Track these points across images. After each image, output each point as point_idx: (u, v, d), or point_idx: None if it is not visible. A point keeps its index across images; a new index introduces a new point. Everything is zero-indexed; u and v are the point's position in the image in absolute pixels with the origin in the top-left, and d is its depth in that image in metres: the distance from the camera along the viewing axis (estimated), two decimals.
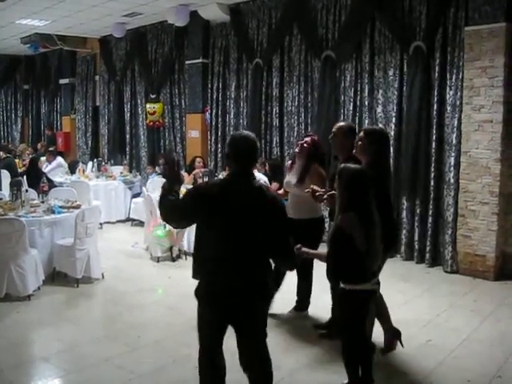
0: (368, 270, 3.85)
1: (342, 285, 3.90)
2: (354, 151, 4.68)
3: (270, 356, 3.56)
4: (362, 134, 4.64)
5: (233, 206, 3.31)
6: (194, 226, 3.53)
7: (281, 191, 6.10)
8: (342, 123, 5.28)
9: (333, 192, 4.45)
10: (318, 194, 4.78)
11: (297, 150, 5.72)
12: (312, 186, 4.89)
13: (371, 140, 4.53)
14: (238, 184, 3.39)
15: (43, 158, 12.26)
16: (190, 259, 7.94)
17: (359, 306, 3.91)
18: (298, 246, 3.83)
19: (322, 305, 5.59)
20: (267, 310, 3.57)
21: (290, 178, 5.70)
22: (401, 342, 4.91)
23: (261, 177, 6.13)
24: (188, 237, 8.19)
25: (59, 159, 12.97)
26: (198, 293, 3.44)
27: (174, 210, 3.47)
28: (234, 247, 3.33)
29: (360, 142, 4.59)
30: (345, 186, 3.81)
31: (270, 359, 3.57)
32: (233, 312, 3.39)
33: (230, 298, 3.33)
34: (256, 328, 3.51)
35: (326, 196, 4.66)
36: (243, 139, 3.45)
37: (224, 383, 3.58)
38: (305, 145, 5.58)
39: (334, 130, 5.05)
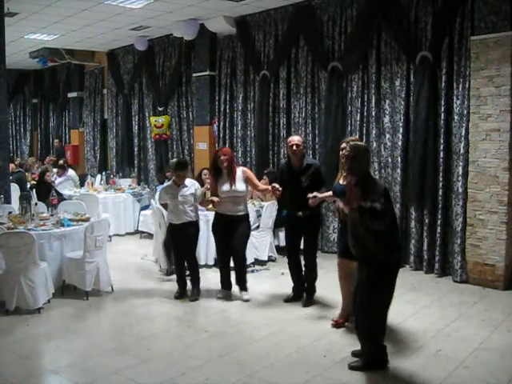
0: None
1: None
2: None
3: None
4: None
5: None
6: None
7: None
8: None
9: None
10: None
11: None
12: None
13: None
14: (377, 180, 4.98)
15: (54, 170, 12.30)
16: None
17: None
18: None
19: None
20: None
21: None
22: None
23: (193, 182, 7.01)
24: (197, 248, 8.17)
25: (70, 172, 13.02)
26: (390, 265, 4.63)
27: (388, 220, 4.57)
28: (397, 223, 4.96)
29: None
30: None
31: None
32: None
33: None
34: None
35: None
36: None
37: None
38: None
39: None
